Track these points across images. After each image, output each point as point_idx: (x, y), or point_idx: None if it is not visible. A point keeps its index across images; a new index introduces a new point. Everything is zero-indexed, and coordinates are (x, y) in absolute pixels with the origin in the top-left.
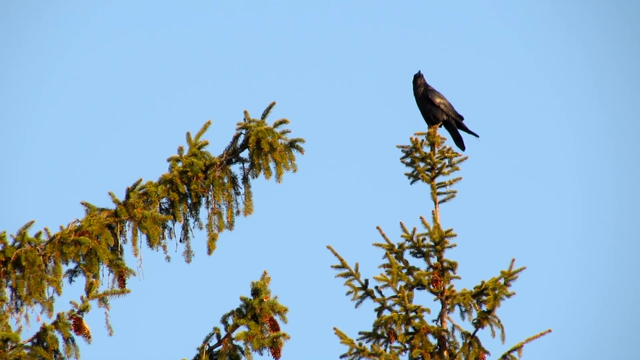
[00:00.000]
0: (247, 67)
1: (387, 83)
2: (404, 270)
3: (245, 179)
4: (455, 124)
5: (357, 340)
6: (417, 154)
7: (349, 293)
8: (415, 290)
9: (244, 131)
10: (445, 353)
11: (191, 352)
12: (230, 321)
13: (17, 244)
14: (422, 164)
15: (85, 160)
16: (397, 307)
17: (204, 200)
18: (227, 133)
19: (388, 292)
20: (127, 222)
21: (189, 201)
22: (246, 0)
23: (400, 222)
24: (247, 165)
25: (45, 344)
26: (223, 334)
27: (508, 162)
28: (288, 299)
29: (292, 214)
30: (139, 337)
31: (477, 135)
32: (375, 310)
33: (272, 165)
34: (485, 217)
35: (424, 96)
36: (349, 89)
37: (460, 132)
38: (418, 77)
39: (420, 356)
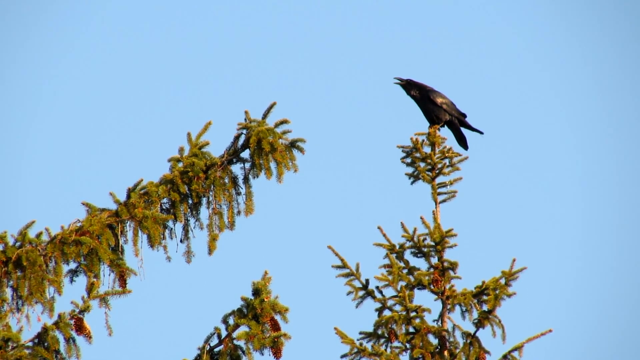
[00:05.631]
0: (248, 67)
1: (387, 83)
2: (405, 270)
3: (246, 179)
4: (458, 122)
5: (358, 340)
6: (418, 154)
7: (349, 293)
8: (416, 290)
9: (244, 131)
10: (445, 353)
11: (192, 352)
12: (231, 321)
13: (18, 244)
14: (422, 164)
15: (86, 160)
16: (397, 307)
17: (204, 200)
18: (228, 133)
19: (389, 292)
20: (128, 222)
21: (190, 201)
22: (246, 0)
23: (401, 222)
24: (248, 165)
25: (46, 344)
26: (224, 333)
27: (508, 162)
28: (289, 299)
29: (293, 214)
30: (140, 337)
31: (481, 132)
32: (376, 310)
33: (273, 165)
34: (486, 217)
35: (426, 97)
36: (349, 89)
37: (464, 130)
38: (406, 86)
39: (420, 356)
